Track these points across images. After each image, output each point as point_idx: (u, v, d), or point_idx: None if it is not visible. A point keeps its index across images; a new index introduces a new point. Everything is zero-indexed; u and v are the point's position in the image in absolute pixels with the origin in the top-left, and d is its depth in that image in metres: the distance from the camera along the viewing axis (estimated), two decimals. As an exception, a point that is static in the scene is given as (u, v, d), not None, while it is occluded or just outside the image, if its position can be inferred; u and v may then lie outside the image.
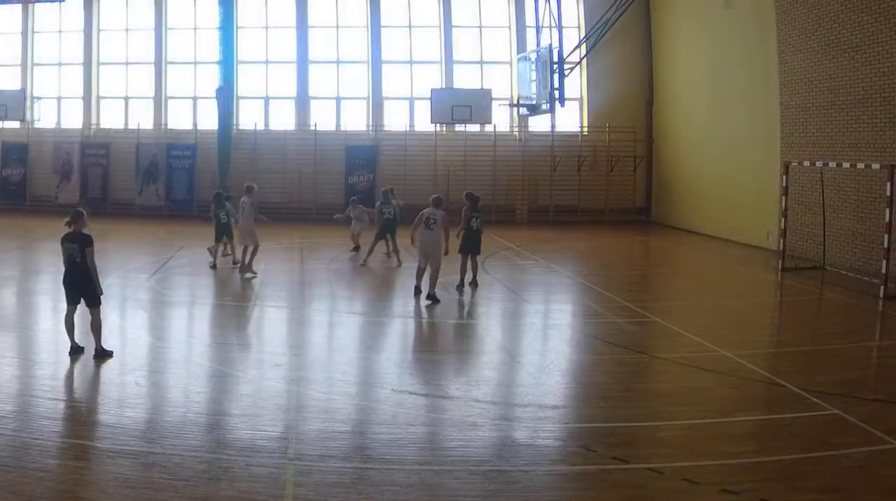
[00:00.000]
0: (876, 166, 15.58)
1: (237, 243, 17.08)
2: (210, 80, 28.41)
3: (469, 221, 15.26)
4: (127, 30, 29.37)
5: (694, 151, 25.86)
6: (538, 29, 26.64)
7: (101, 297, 10.18)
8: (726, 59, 23.46)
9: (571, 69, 27.35)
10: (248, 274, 16.02)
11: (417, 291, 14.23)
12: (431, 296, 13.85)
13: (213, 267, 17.20)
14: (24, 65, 29.26)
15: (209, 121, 28.32)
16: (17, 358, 10.05)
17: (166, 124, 29.23)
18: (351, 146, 28.43)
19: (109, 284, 14.28)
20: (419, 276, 14.30)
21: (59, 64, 29.50)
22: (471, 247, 15.23)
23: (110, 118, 29.52)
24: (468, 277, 15.28)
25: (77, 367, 9.67)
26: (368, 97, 29.14)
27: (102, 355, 9.94)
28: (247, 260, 16.20)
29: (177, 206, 28.27)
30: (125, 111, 29.59)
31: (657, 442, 7.70)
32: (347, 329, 12.85)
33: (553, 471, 7.07)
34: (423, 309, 13.69)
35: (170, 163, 28.39)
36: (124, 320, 12.47)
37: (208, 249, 17.76)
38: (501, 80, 29.30)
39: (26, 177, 28.62)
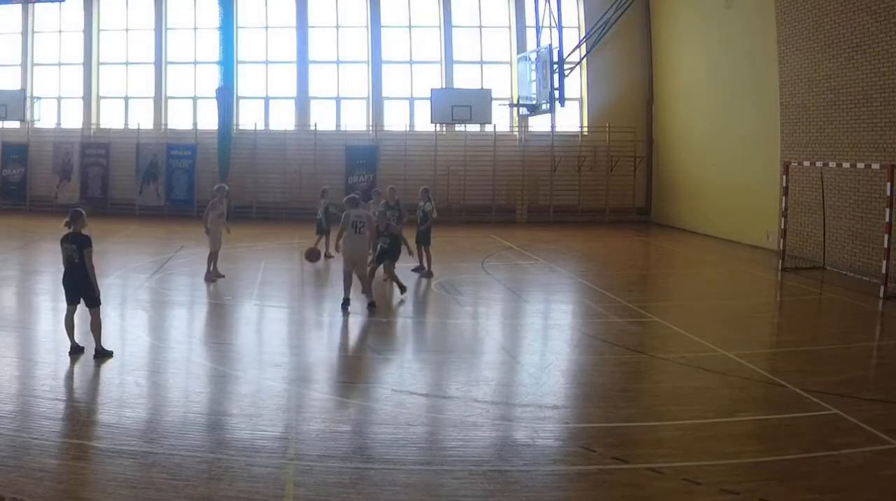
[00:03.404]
0: (876, 166, 15.58)
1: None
2: (210, 79, 28.43)
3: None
4: (127, 30, 29.39)
5: (694, 151, 25.86)
6: (538, 29, 26.66)
7: (101, 297, 10.20)
8: (726, 59, 23.45)
9: (571, 69, 27.37)
10: (212, 280, 15.62)
11: (347, 303, 13.15)
12: (372, 304, 13.25)
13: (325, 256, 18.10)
14: (24, 65, 29.27)
15: (209, 121, 28.34)
16: (17, 358, 10.04)
17: (166, 124, 29.24)
18: (351, 146, 28.43)
19: (109, 284, 14.32)
20: (348, 285, 13.20)
21: (59, 64, 29.51)
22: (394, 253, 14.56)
23: (110, 118, 29.53)
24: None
25: (77, 367, 9.67)
26: (368, 97, 29.15)
27: (102, 355, 9.94)
28: (210, 268, 15.73)
29: (177, 206, 28.27)
30: (125, 111, 29.61)
31: (657, 442, 7.70)
32: (347, 329, 12.84)
33: (553, 471, 7.06)
34: (421, 310, 13.68)
35: (170, 163, 28.39)
36: (124, 320, 12.46)
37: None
38: (501, 80, 29.31)
39: (26, 177, 28.63)
